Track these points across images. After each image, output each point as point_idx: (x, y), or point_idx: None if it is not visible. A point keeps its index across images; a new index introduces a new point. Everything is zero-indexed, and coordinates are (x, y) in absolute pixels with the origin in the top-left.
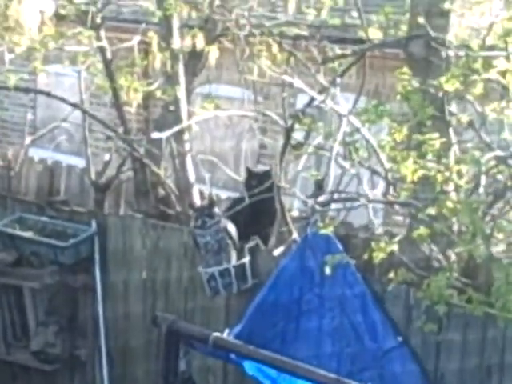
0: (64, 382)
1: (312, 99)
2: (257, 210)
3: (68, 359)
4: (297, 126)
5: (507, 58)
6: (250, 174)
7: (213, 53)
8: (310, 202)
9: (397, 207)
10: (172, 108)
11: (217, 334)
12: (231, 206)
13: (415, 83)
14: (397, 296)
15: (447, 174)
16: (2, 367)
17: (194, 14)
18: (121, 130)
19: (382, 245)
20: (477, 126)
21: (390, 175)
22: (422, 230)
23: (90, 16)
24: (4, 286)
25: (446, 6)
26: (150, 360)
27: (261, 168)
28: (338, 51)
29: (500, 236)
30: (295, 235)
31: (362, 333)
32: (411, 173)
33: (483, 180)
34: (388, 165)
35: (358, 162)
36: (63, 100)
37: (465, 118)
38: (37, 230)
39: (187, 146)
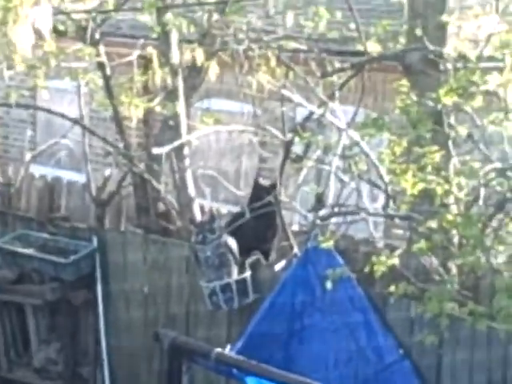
0: None
1: (311, 113)
2: (258, 224)
3: (70, 376)
4: (296, 139)
5: (502, 70)
6: (257, 186)
7: (212, 68)
8: (311, 216)
9: (397, 220)
10: (171, 123)
11: (219, 349)
12: (232, 221)
13: (414, 96)
14: (398, 309)
15: (447, 186)
16: None
17: (192, 29)
18: (121, 145)
19: (383, 258)
20: (476, 138)
21: (389, 188)
22: (423, 243)
23: (89, 32)
24: (6, 303)
25: (444, 18)
26: (153, 375)
27: (267, 181)
28: (337, 64)
29: (500, 248)
30: (296, 249)
31: (364, 346)
32: (411, 186)
33: (483, 192)
34: (388, 178)
35: (358, 176)
36: (63, 116)
37: (464, 131)
38: (38, 246)
39: (187, 161)
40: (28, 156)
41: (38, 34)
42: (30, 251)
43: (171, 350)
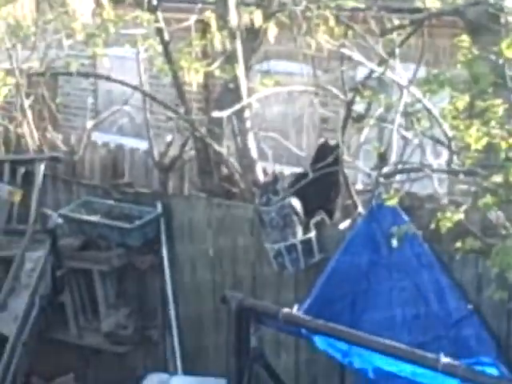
0: (136, 362)
1: (371, 71)
2: (321, 184)
3: (140, 340)
4: (357, 98)
5: None
6: (323, 146)
7: (271, 30)
8: (374, 174)
9: (462, 176)
10: (231, 86)
11: (286, 309)
12: (295, 182)
13: (475, 51)
14: (465, 265)
15: (511, 140)
16: (76, 351)
17: None
18: (182, 110)
19: (449, 214)
20: None
21: (453, 144)
22: (488, 198)
23: None
24: (73, 270)
25: None
26: (222, 338)
27: (332, 141)
28: (396, 22)
29: None
30: (360, 208)
31: (432, 303)
32: (475, 141)
33: None
34: (451, 133)
35: (421, 132)
36: (123, 83)
37: None
38: (102, 213)
39: (248, 124)
40: (90, 124)
41: (97, 2)
42: (95, 218)
43: (239, 312)
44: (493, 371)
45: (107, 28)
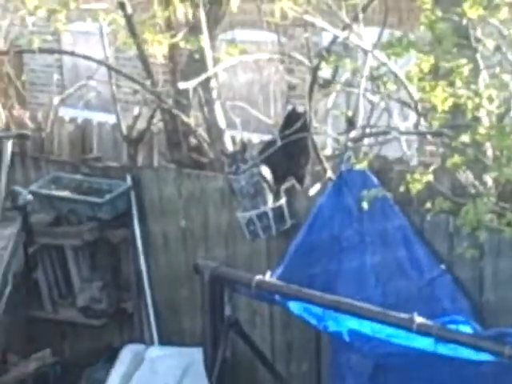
0: (112, 335)
1: (336, 37)
2: (290, 150)
3: (115, 313)
4: (323, 64)
5: None
6: (291, 113)
7: None
8: (342, 138)
9: (430, 137)
10: (197, 57)
11: (259, 276)
12: (264, 149)
13: (438, 12)
14: (436, 225)
15: (477, 100)
16: (51, 326)
17: None
18: (148, 82)
19: (418, 176)
20: (504, 50)
21: (420, 106)
22: (457, 158)
23: None
24: (46, 246)
25: None
26: (196, 307)
27: (301, 108)
28: None
29: None
30: (330, 173)
31: (405, 264)
32: (441, 102)
33: None
34: (417, 95)
35: (387, 96)
36: (87, 58)
37: (491, 43)
38: (72, 188)
39: (215, 93)
40: (56, 100)
41: None
42: (65, 193)
43: (212, 281)
44: (467, 329)
45: (68, 3)
